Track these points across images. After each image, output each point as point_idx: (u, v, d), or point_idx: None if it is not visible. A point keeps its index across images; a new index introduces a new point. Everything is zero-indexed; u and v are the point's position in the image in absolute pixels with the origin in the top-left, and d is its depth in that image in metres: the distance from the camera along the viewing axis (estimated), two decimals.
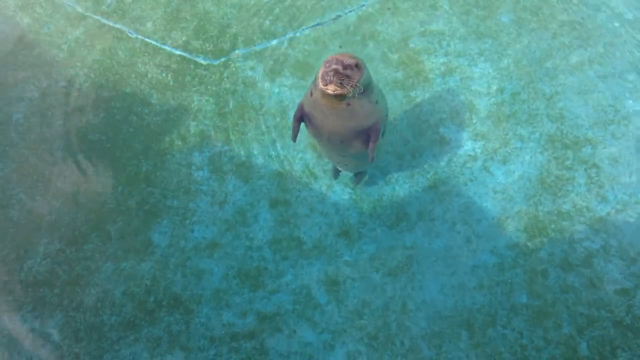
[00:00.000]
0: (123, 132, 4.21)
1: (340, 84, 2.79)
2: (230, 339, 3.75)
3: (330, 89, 2.81)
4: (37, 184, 4.06)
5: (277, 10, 4.53)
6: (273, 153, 4.14)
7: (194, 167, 4.12)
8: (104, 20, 4.52)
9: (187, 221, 3.98)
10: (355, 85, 2.83)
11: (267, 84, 4.32)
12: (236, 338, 3.74)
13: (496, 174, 4.05)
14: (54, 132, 4.21)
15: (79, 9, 4.55)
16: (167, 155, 4.14)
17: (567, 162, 4.06)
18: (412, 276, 3.85)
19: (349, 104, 2.96)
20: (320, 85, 2.84)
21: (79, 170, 4.11)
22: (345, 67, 2.81)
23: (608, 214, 3.92)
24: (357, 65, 2.85)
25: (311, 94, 3.06)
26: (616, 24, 4.39)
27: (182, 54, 4.42)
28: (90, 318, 3.80)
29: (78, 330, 3.77)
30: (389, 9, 4.50)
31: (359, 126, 3.11)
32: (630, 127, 4.12)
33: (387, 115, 3.29)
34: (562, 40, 4.36)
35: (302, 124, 3.29)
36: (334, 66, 2.81)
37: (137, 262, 3.89)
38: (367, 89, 2.98)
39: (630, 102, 4.19)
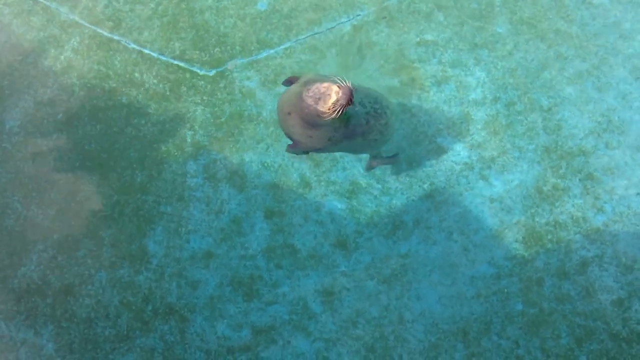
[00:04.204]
0: (119, 142, 4.34)
1: (339, 104, 3.17)
2: (226, 352, 3.85)
3: (333, 97, 3.17)
4: (32, 193, 4.18)
5: (274, 21, 4.68)
6: (268, 161, 4.27)
7: (189, 176, 4.24)
8: (100, 30, 4.65)
9: (183, 230, 4.10)
10: (333, 108, 3.19)
11: (263, 94, 4.46)
12: (232, 351, 3.84)
13: (493, 184, 4.19)
14: (49, 142, 4.33)
15: (75, 18, 4.69)
16: (164, 165, 4.27)
17: (563, 172, 4.19)
18: (407, 285, 3.97)
19: (289, 113, 3.42)
20: (333, 88, 3.17)
21: (74, 180, 4.23)
22: (348, 103, 3.18)
23: (604, 223, 4.05)
24: (340, 107, 3.19)
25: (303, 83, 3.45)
26: (612, 35, 4.55)
27: (179, 63, 4.56)
28: (85, 329, 3.89)
29: (72, 342, 3.86)
30: (384, 18, 4.65)
31: (285, 130, 3.65)
32: (625, 137, 4.26)
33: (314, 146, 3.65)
34: (559, 51, 4.52)
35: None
36: (347, 99, 3.15)
37: (133, 273, 4.00)
38: (316, 125, 3.38)
39: (626, 112, 4.33)
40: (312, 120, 3.30)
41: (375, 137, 3.65)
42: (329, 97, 3.16)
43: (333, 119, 3.22)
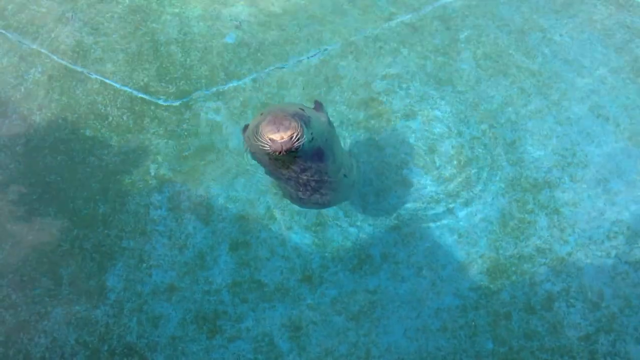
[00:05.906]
0: (80, 173, 4.26)
1: (267, 146, 2.94)
2: None
3: (275, 136, 2.92)
4: None
5: (242, 54, 4.71)
6: (234, 195, 4.23)
7: (151, 208, 4.16)
8: (62, 60, 4.61)
9: (144, 265, 4.00)
10: (263, 141, 2.96)
11: (229, 125, 4.45)
12: None
13: (459, 217, 4.21)
14: (8, 174, 4.22)
15: (37, 48, 4.65)
16: (127, 197, 4.19)
17: (528, 206, 4.24)
18: (376, 321, 3.92)
19: (261, 114, 3.13)
20: (286, 133, 2.93)
21: (32, 212, 4.12)
22: (272, 152, 2.97)
23: (569, 254, 4.09)
24: (266, 149, 3.00)
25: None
26: (572, 72, 4.68)
27: (143, 95, 4.53)
28: None
29: None
30: (351, 52, 4.72)
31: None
32: (587, 170, 4.35)
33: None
34: (521, 86, 4.62)
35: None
36: (273, 150, 2.95)
37: (90, 308, 3.86)
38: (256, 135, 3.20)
39: (588, 146, 4.43)
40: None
41: (284, 191, 3.59)
42: (276, 132, 2.91)
43: (257, 146, 3.02)
